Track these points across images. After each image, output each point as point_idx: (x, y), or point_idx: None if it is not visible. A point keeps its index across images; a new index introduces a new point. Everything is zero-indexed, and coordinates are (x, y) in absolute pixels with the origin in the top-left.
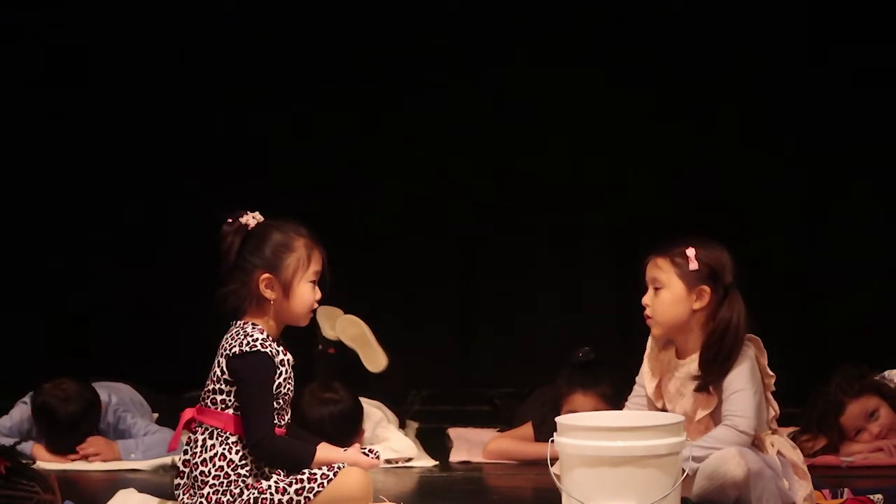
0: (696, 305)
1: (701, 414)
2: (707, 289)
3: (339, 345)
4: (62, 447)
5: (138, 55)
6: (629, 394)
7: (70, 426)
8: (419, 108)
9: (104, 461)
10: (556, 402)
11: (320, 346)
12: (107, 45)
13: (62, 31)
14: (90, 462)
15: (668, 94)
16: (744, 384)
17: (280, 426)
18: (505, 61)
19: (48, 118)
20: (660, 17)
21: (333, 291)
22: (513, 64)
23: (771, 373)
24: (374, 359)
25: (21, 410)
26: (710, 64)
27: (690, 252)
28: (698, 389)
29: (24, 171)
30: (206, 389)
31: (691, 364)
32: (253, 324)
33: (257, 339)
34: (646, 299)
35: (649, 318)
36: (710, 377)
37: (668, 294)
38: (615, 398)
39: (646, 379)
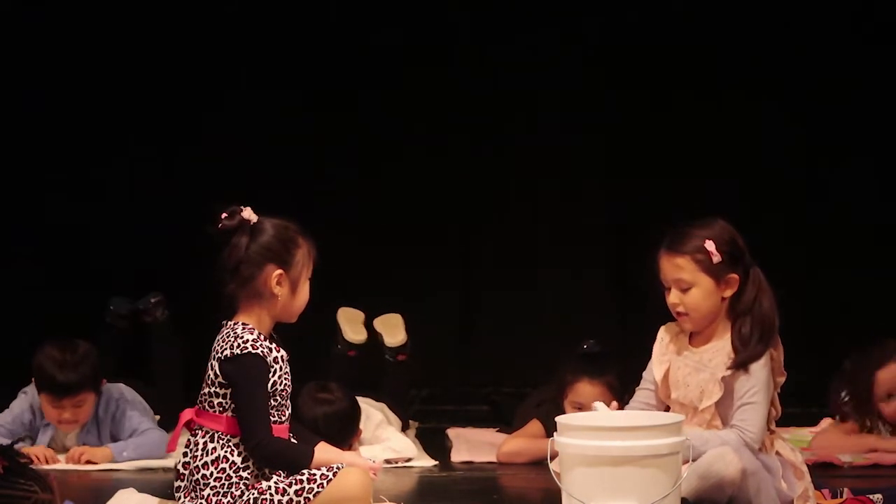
0: (727, 293)
1: (706, 403)
2: (735, 276)
3: (358, 348)
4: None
5: (128, 49)
6: (636, 386)
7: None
8: (417, 99)
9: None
10: (559, 392)
11: (339, 347)
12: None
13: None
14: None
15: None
16: (759, 397)
17: (282, 422)
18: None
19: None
20: None
21: (331, 290)
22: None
23: (783, 371)
24: (397, 336)
25: (21, 402)
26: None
27: (710, 246)
28: (734, 367)
29: (21, 168)
30: (202, 392)
31: (703, 353)
32: (243, 324)
33: (248, 341)
34: (673, 299)
35: (682, 315)
36: (746, 356)
37: (699, 291)
38: (620, 390)
39: (654, 367)
